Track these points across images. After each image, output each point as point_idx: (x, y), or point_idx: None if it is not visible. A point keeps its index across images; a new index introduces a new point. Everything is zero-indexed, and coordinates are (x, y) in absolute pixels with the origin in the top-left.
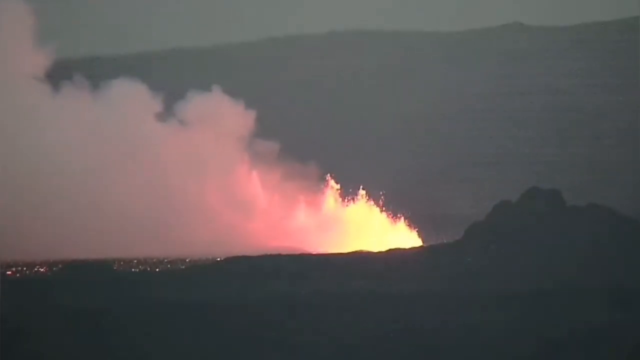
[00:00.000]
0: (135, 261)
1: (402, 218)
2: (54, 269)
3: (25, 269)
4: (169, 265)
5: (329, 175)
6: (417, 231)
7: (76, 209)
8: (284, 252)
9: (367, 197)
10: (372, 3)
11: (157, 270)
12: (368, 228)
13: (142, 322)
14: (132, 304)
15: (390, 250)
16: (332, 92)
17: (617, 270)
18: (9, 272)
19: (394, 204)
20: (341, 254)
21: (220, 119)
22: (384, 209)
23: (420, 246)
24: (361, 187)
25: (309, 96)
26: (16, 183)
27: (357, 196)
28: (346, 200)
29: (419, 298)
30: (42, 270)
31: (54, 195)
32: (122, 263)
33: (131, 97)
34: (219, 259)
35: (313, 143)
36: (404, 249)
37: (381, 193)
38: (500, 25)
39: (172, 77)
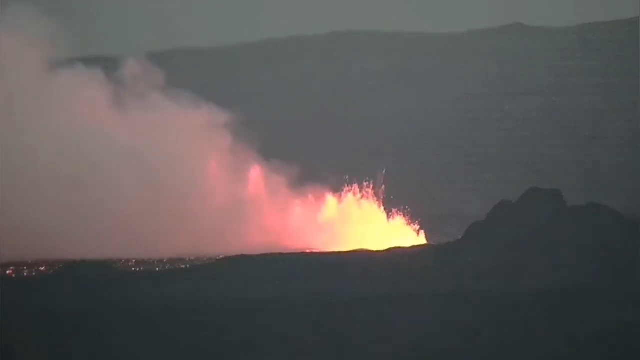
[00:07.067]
0: (135, 261)
1: (403, 218)
2: (54, 269)
3: (25, 268)
4: (168, 266)
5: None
6: (417, 231)
7: (76, 208)
8: (284, 252)
9: (366, 197)
10: (373, 4)
11: (157, 270)
12: (368, 227)
13: (142, 322)
14: (132, 304)
15: (390, 249)
16: (332, 92)
17: (618, 271)
18: (9, 272)
19: (394, 204)
20: (341, 253)
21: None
22: (384, 208)
23: (420, 246)
24: (361, 186)
25: (309, 97)
26: (16, 183)
27: (357, 196)
28: (346, 199)
29: (419, 298)
30: (42, 270)
31: (54, 195)
32: (122, 263)
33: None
34: (219, 259)
35: (313, 143)
36: (404, 249)
37: (381, 193)
38: (500, 26)
39: (172, 77)
